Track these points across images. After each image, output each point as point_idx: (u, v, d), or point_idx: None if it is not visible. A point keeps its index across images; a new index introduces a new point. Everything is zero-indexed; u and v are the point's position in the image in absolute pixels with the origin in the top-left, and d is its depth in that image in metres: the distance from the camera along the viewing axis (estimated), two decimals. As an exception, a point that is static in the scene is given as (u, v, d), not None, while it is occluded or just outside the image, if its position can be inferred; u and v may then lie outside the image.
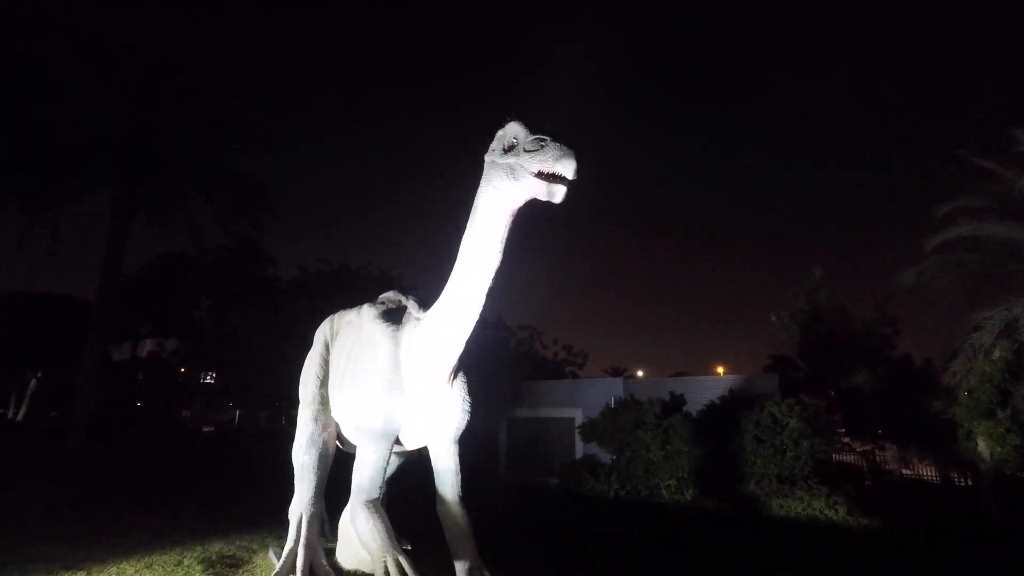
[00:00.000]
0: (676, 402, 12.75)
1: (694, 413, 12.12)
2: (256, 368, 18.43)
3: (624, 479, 11.78)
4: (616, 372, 35.46)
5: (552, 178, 3.07)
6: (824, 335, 15.40)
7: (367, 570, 4.49)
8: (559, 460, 14.07)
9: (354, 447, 4.51)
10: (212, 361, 24.24)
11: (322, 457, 5.01)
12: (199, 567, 5.06)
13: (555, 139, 3.10)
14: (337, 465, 5.12)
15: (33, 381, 25.57)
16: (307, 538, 4.65)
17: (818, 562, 6.76)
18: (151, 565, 5.07)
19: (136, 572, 4.89)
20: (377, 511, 3.97)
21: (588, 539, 7.46)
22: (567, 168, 3.01)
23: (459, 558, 4.00)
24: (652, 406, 12.22)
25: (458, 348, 3.83)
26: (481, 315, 3.66)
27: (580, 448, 14.15)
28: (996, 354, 10.19)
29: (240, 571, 5.05)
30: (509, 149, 3.31)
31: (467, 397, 4.25)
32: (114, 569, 4.92)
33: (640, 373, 33.06)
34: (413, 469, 5.43)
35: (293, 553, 4.60)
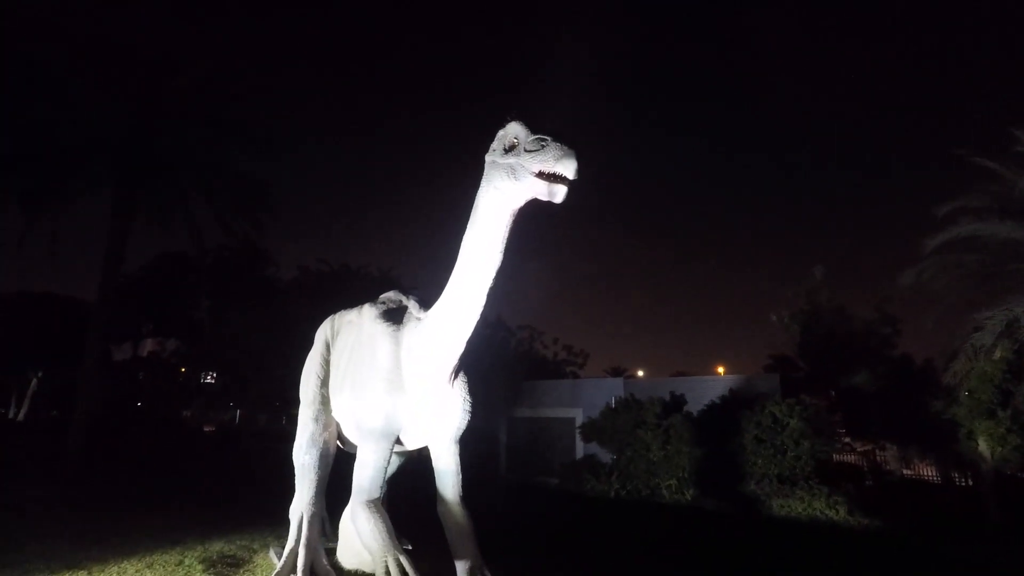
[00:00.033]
0: (676, 402, 12.74)
1: (694, 413, 12.11)
2: (256, 368, 18.46)
3: (624, 479, 11.77)
4: (616, 372, 35.47)
5: (553, 178, 3.08)
6: (824, 335, 15.43)
7: (368, 570, 4.49)
8: (559, 460, 14.07)
9: (355, 447, 4.52)
10: (212, 361, 24.28)
11: (323, 457, 5.02)
12: (200, 567, 5.07)
13: (556, 139, 3.11)
14: (338, 465, 5.13)
15: (34, 381, 25.53)
16: (308, 538, 4.66)
17: (819, 562, 6.76)
18: (152, 565, 5.08)
19: (137, 572, 4.90)
20: (378, 511, 3.98)
21: (588, 539, 7.46)
22: (568, 168, 3.01)
23: (460, 558, 4.00)
24: (652, 406, 12.21)
25: (459, 348, 3.84)
26: (481, 315, 3.67)
27: (580, 448, 14.14)
28: (997, 354, 10.21)
29: (241, 571, 5.06)
30: (510, 149, 3.32)
31: (467, 397, 4.26)
32: (115, 568, 4.93)
33: (640, 373, 33.06)
34: (413, 469, 5.43)
35: (294, 553, 4.61)
